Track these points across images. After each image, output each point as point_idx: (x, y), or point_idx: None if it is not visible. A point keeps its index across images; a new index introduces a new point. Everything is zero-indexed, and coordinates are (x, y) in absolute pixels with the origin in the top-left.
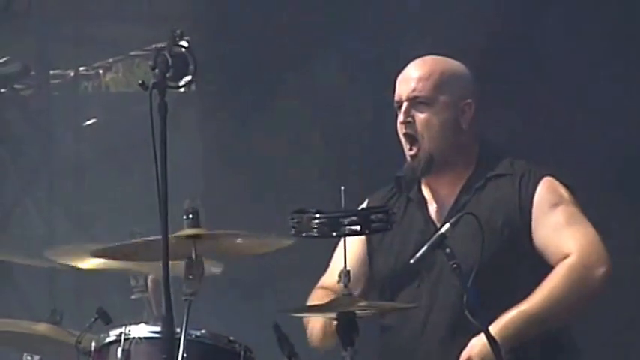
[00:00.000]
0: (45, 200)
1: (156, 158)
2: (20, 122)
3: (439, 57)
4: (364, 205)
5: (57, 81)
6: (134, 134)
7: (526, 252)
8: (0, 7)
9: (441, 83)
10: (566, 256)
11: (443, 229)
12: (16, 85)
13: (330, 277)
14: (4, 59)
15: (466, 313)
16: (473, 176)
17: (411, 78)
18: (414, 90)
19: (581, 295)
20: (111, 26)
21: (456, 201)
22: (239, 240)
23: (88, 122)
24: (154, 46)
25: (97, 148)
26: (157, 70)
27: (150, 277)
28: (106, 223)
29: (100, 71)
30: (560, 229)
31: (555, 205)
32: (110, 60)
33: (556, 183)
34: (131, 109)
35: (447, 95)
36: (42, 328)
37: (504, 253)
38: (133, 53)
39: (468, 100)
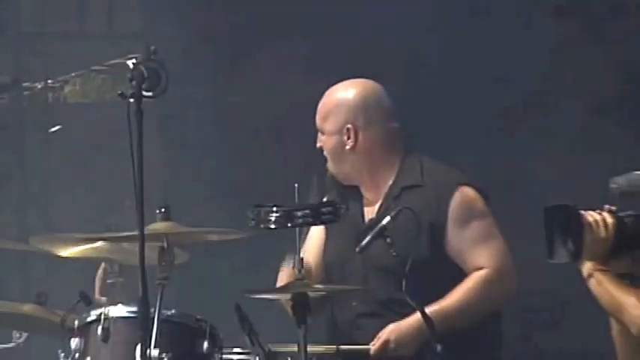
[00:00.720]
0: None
1: (133, 159)
2: None
3: (341, 84)
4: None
5: (27, 92)
6: (93, 139)
7: (441, 256)
8: None
9: (326, 114)
10: (480, 269)
11: (384, 222)
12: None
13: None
14: None
15: (404, 294)
16: (393, 185)
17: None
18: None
19: (489, 304)
20: (75, 43)
21: (380, 206)
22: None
23: (54, 129)
24: (112, 61)
25: (62, 152)
26: (134, 82)
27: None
28: (75, 219)
29: (62, 84)
30: (474, 245)
31: (468, 220)
32: (72, 74)
33: (470, 194)
34: (87, 117)
35: (329, 124)
36: (29, 308)
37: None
38: (93, 68)
39: (349, 126)
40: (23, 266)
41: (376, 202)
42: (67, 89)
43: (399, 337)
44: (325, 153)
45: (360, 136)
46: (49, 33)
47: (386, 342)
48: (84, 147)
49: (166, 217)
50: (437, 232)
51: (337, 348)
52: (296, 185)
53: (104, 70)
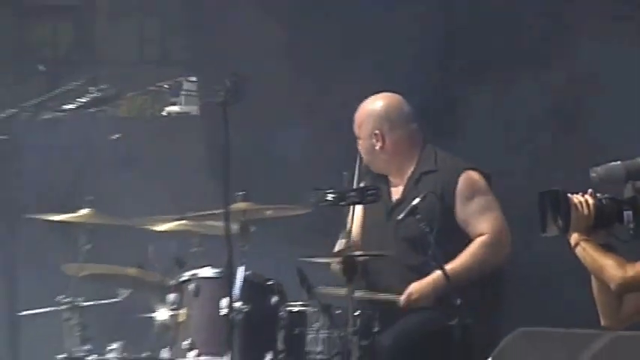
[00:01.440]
0: None
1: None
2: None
3: (370, 98)
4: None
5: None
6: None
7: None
8: None
9: (359, 123)
10: (481, 235)
11: (414, 202)
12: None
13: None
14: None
15: (430, 258)
16: (414, 171)
17: None
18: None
19: (488, 265)
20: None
21: (404, 189)
22: (269, 212)
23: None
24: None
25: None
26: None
27: None
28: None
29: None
30: (477, 215)
31: (472, 196)
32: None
33: (474, 176)
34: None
35: (362, 131)
36: (132, 271)
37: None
38: (150, 88)
39: (376, 132)
40: (128, 239)
41: (400, 185)
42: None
43: (420, 291)
44: (361, 152)
45: (387, 139)
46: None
47: (410, 295)
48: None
49: (245, 198)
50: (449, 207)
51: (372, 296)
52: (344, 173)
53: (156, 90)
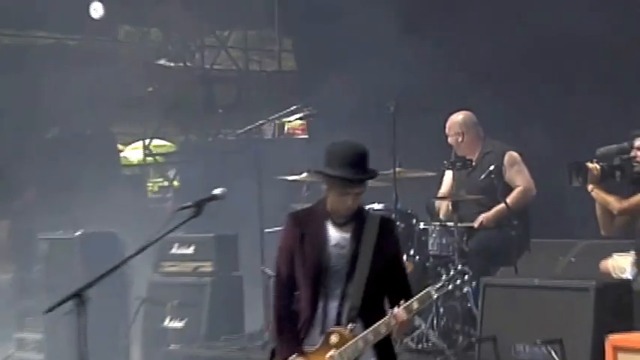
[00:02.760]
0: None
1: None
2: None
3: (455, 113)
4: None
5: None
6: None
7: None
8: None
9: (449, 127)
10: (518, 187)
11: (490, 169)
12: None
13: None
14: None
15: (500, 199)
16: (480, 153)
17: None
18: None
19: (522, 203)
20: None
21: (476, 164)
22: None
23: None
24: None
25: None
26: None
27: None
28: None
29: None
30: (515, 176)
31: (512, 165)
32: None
33: (513, 154)
34: None
35: (451, 131)
36: None
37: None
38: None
39: (459, 131)
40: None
41: (474, 161)
42: None
43: (487, 218)
44: (452, 144)
45: (465, 137)
46: None
47: (481, 221)
48: None
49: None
50: (501, 173)
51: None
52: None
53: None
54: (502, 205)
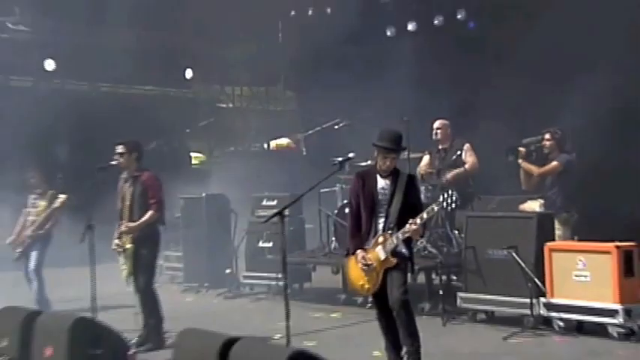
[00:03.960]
0: None
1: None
2: None
3: (438, 121)
4: None
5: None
6: None
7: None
8: None
9: (436, 127)
10: (466, 163)
11: (457, 154)
12: None
13: None
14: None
15: (461, 168)
16: (449, 145)
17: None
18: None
19: (469, 174)
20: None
21: (447, 150)
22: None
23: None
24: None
25: None
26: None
27: None
28: None
29: None
30: (469, 157)
31: (467, 151)
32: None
33: (468, 144)
34: None
35: (434, 129)
36: None
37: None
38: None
39: (439, 131)
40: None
41: (446, 150)
42: None
43: (452, 175)
44: (434, 137)
45: (442, 134)
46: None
47: (447, 178)
48: None
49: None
50: (462, 155)
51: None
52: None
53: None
54: (462, 168)
